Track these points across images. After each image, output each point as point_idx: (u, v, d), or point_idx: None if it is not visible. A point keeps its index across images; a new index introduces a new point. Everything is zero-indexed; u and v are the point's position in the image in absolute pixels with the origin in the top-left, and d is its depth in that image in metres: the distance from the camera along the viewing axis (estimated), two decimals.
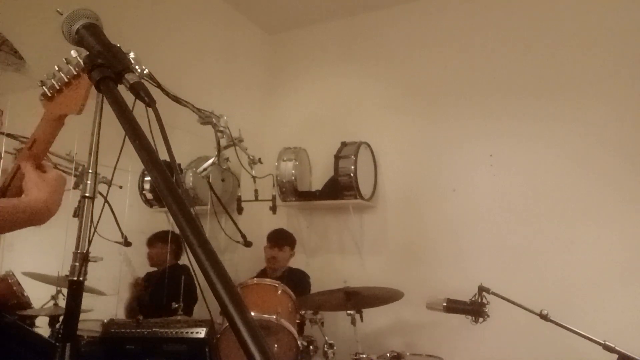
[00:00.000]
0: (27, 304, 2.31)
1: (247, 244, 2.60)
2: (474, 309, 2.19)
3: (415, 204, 3.48)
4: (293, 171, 3.42)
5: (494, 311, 2.22)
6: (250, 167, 2.79)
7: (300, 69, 4.17)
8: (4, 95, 2.30)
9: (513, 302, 2.09)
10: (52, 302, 2.29)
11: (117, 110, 0.66)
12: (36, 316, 2.24)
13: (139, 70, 1.59)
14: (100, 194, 1.59)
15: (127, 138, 0.64)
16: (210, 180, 2.76)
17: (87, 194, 1.51)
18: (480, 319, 2.19)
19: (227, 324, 1.16)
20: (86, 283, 1.47)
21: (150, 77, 1.67)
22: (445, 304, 2.23)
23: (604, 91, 3.01)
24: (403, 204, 3.53)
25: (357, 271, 3.51)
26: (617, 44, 3.02)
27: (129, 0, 2.95)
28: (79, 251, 1.48)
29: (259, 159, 2.86)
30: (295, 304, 2.51)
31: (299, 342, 2.32)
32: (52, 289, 2.31)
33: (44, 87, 0.97)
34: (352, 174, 3.28)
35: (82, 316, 1.43)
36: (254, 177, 2.82)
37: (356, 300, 2.54)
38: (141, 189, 2.97)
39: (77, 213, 1.53)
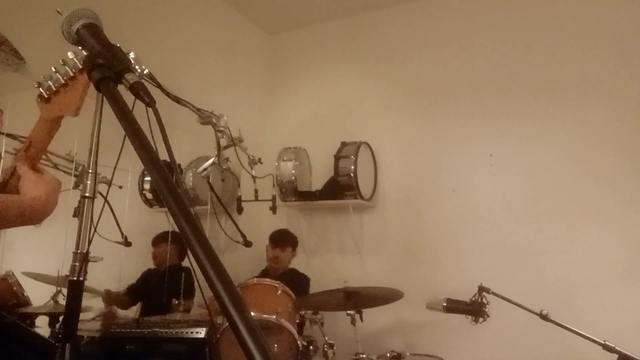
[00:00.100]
0: (27, 304, 2.31)
1: (247, 244, 2.60)
2: (474, 309, 2.19)
3: (415, 204, 3.48)
4: (293, 171, 3.42)
5: (494, 311, 2.22)
6: (250, 167, 2.79)
7: (300, 69, 4.17)
8: (4, 95, 2.30)
9: (513, 302, 2.09)
10: (52, 302, 2.29)
11: (117, 110, 0.66)
12: (36, 316, 2.24)
13: (139, 70, 1.59)
14: (100, 194, 1.59)
15: (127, 138, 0.64)
16: (210, 180, 2.76)
17: (87, 194, 1.51)
18: (480, 319, 2.19)
19: (227, 324, 1.16)
20: (86, 283, 1.47)
21: (150, 77, 1.67)
22: (445, 304, 2.23)
23: (604, 91, 3.01)
24: (403, 204, 3.53)
25: (357, 271, 3.51)
26: (617, 44, 3.02)
27: (129, 0, 2.95)
28: (79, 251, 1.48)
29: (259, 159, 2.86)
30: (295, 304, 2.51)
31: (299, 342, 2.32)
32: (52, 289, 2.31)
33: (40, 88, 0.97)
34: (352, 174, 3.28)
35: (82, 316, 1.43)
36: (254, 177, 2.82)
37: (356, 300, 2.54)
38: (141, 189, 2.97)
39: (77, 213, 1.53)
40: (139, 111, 0.69)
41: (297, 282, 3.08)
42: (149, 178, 2.86)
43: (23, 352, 1.64)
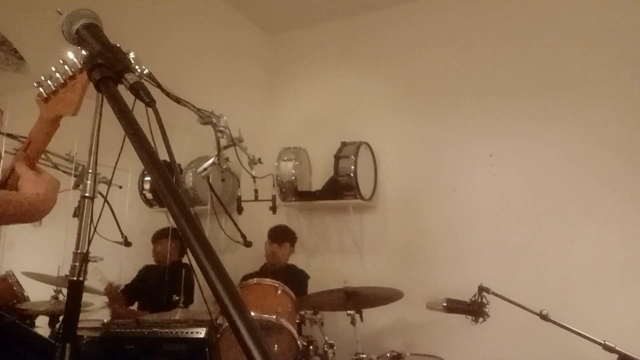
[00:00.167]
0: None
1: (247, 244, 2.60)
2: (474, 309, 2.19)
3: (415, 204, 3.48)
4: (293, 171, 3.42)
5: (494, 311, 2.22)
6: (250, 167, 2.79)
7: (300, 69, 4.17)
8: (4, 95, 2.30)
9: (513, 302, 2.09)
10: (52, 302, 2.29)
11: (117, 110, 0.66)
12: (36, 316, 2.24)
13: (139, 70, 1.59)
14: (100, 194, 1.59)
15: (127, 138, 0.64)
16: (210, 180, 2.75)
17: (87, 194, 1.51)
18: (480, 319, 2.19)
19: (227, 324, 1.16)
20: (86, 283, 1.47)
21: (150, 77, 1.67)
22: (445, 304, 2.23)
23: (604, 91, 3.01)
24: (403, 204, 3.53)
25: (357, 271, 3.51)
26: (617, 44, 3.02)
27: (129, 0, 2.95)
28: (79, 251, 1.48)
29: (259, 159, 2.86)
30: (295, 304, 2.51)
31: (299, 342, 2.32)
32: (52, 289, 2.31)
33: (40, 88, 0.97)
34: (352, 174, 3.28)
35: (82, 316, 1.43)
36: (254, 177, 2.82)
37: (356, 300, 2.54)
38: (141, 189, 2.98)
39: (77, 213, 1.53)
40: (139, 111, 0.69)
41: (295, 278, 3.09)
42: (149, 178, 2.86)
43: (23, 352, 1.64)
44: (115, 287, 2.72)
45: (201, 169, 2.65)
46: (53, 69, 0.96)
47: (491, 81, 3.34)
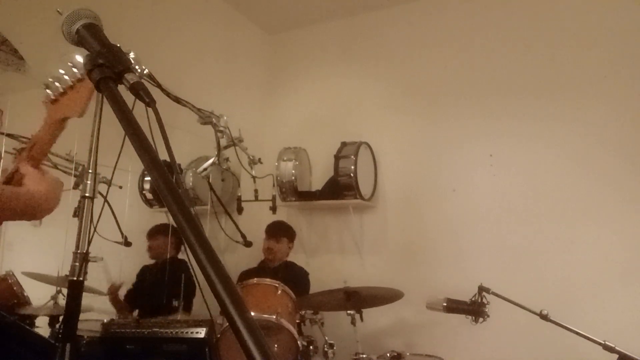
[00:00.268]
0: (27, 304, 2.31)
1: (247, 244, 2.60)
2: (474, 309, 2.19)
3: (415, 204, 3.48)
4: (293, 171, 3.42)
5: (494, 311, 2.22)
6: (250, 167, 2.79)
7: (300, 69, 4.17)
8: (4, 95, 2.30)
9: (513, 302, 2.09)
10: (52, 302, 2.29)
11: (117, 110, 0.66)
12: (36, 316, 2.24)
13: (139, 70, 1.59)
14: (100, 194, 1.59)
15: (127, 138, 0.64)
16: (210, 180, 2.76)
17: (87, 194, 1.51)
18: (480, 319, 2.19)
19: (227, 324, 1.16)
20: (86, 283, 1.48)
21: (150, 77, 1.67)
22: (445, 304, 2.23)
23: (604, 91, 3.01)
24: (403, 204, 3.53)
25: (357, 271, 3.51)
26: (617, 44, 3.02)
27: (129, 0, 2.95)
28: (79, 251, 1.48)
29: (259, 159, 2.87)
30: (295, 304, 2.51)
31: (299, 342, 2.32)
32: (52, 289, 2.31)
33: (47, 90, 0.98)
34: (352, 174, 3.28)
35: (82, 316, 1.43)
36: (254, 177, 2.82)
37: (356, 300, 2.53)
38: (141, 189, 2.98)
39: (77, 213, 1.53)
40: (139, 111, 0.69)
41: (295, 276, 3.08)
42: (149, 178, 2.86)
43: (23, 352, 1.64)
44: (117, 287, 2.72)
45: (201, 169, 2.65)
46: (61, 71, 0.96)
47: (491, 81, 3.34)
